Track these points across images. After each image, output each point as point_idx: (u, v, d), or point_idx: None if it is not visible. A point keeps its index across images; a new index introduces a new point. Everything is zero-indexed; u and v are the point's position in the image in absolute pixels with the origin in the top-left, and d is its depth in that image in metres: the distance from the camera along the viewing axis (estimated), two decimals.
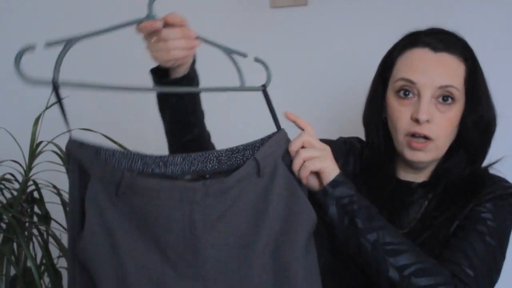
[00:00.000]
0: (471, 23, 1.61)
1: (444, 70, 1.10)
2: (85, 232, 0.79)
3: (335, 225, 1.02)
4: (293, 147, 0.97)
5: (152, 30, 0.91)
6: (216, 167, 0.92)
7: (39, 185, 1.46)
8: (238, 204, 0.89)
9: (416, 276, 0.98)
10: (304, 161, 0.97)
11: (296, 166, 0.97)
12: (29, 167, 1.45)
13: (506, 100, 1.24)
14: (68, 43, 0.82)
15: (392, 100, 1.14)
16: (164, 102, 1.06)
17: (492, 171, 1.19)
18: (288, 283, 0.89)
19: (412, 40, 1.15)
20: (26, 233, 1.38)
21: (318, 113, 1.72)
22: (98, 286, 0.80)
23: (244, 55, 0.97)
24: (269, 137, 0.95)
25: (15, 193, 1.43)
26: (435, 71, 1.10)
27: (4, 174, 1.45)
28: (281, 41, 1.81)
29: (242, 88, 0.95)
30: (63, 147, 1.42)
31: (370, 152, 1.23)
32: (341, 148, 1.24)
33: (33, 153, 1.45)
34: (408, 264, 0.99)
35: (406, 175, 1.19)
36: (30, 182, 1.45)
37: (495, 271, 1.07)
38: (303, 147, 0.98)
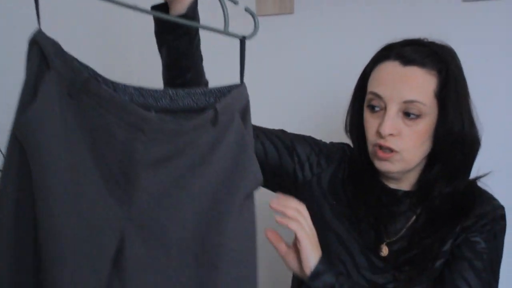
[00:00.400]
0: (456, 29, 1.63)
1: (411, 84, 1.09)
2: (36, 106, 0.74)
3: None
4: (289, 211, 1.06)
5: None
6: (167, 105, 0.89)
7: None
8: (187, 149, 0.87)
9: None
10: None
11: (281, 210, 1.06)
12: None
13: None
14: None
15: (365, 112, 1.16)
16: (161, 39, 1.07)
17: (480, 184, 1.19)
18: (220, 233, 0.88)
19: (386, 53, 1.15)
20: None
21: (303, 120, 1.73)
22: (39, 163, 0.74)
23: (235, 2, 0.96)
24: (229, 88, 0.93)
25: None
26: (401, 85, 1.10)
27: None
28: (266, 49, 1.82)
29: (224, 32, 0.93)
30: None
31: (356, 160, 1.24)
32: (337, 153, 1.27)
33: None
34: None
35: (390, 183, 1.20)
36: None
37: None
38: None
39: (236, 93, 0.92)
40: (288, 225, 1.04)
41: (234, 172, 0.90)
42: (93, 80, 0.79)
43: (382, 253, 1.15)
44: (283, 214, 1.05)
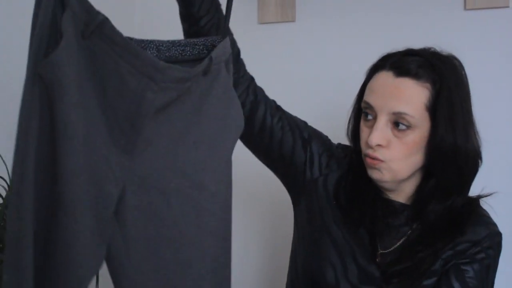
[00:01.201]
0: (458, 37, 1.63)
1: (400, 96, 1.08)
2: (60, 48, 0.72)
3: None
4: None
5: None
6: (154, 55, 0.89)
7: None
8: (185, 97, 0.88)
9: None
10: None
11: None
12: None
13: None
14: None
15: (361, 119, 1.17)
16: (186, 14, 1.06)
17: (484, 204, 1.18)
18: (216, 181, 0.92)
19: (382, 63, 1.15)
20: None
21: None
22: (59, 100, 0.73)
23: None
24: (213, 41, 0.95)
25: None
26: (391, 97, 1.09)
27: None
28: (269, 57, 1.82)
29: None
30: None
31: (355, 166, 1.24)
32: (346, 158, 1.26)
33: None
34: None
35: (387, 194, 1.20)
36: None
37: None
38: None
39: (221, 46, 0.95)
40: None
41: (224, 120, 0.94)
42: (108, 23, 0.78)
43: (375, 263, 1.15)
44: None
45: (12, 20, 1.53)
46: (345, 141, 1.28)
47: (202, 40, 0.95)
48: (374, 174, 1.13)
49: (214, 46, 0.95)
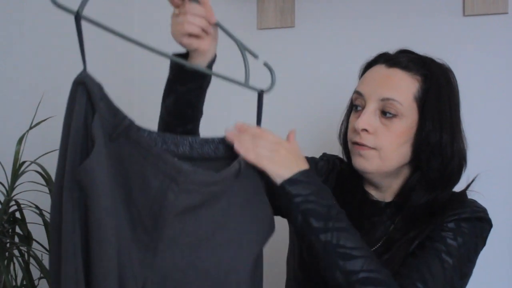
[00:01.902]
0: (456, 43, 1.64)
1: (390, 83, 1.10)
2: (92, 155, 0.77)
3: (290, 219, 1.02)
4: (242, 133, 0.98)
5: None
6: (187, 152, 0.94)
7: (22, 206, 1.43)
8: (213, 199, 0.90)
9: (361, 284, 0.96)
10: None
11: (242, 151, 0.97)
12: (12, 187, 1.42)
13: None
14: None
15: (351, 113, 1.18)
16: (172, 87, 1.07)
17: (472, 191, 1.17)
18: (240, 283, 0.91)
19: (376, 59, 1.18)
20: (7, 254, 1.35)
21: (304, 131, 1.73)
22: (95, 213, 0.78)
23: (255, 56, 1.00)
24: None
25: None
26: (381, 84, 1.11)
27: None
28: (268, 63, 1.82)
29: (244, 84, 0.98)
30: (47, 167, 1.42)
31: (343, 169, 1.25)
32: (324, 166, 1.27)
33: (16, 173, 1.43)
34: (357, 270, 0.97)
35: (375, 194, 1.20)
36: (12, 202, 1.43)
37: None
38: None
39: None
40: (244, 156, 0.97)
41: (252, 224, 0.94)
42: (134, 127, 0.84)
43: None
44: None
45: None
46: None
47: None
48: (360, 163, 1.13)
49: None
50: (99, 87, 0.81)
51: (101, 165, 0.78)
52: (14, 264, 1.40)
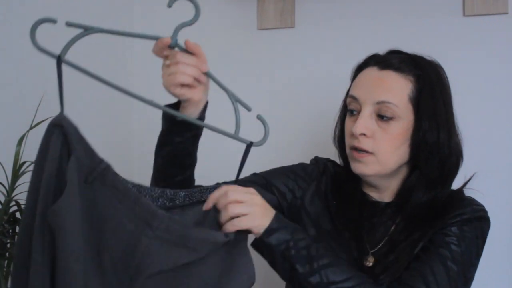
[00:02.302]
0: (456, 43, 1.64)
1: (384, 86, 1.11)
2: (63, 197, 0.78)
3: (277, 268, 1.04)
4: (219, 203, 0.96)
5: (163, 46, 0.94)
6: (166, 204, 0.95)
7: (22, 206, 1.43)
8: (187, 255, 0.88)
9: None
10: (232, 217, 0.95)
11: (223, 220, 0.95)
12: (12, 188, 1.42)
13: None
14: (88, 30, 0.84)
15: (346, 117, 1.18)
16: (168, 138, 1.06)
17: (469, 190, 1.18)
18: None
19: (367, 61, 1.19)
20: (7, 254, 1.35)
21: (302, 133, 1.73)
22: (64, 255, 0.78)
23: (248, 109, 0.98)
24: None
25: None
26: (375, 87, 1.11)
27: None
28: (268, 63, 1.83)
29: (233, 136, 0.97)
30: None
31: (341, 171, 1.25)
32: (314, 170, 1.27)
33: (16, 173, 1.43)
34: None
35: (373, 195, 1.20)
36: (13, 203, 1.43)
37: None
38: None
39: None
40: (226, 229, 0.95)
41: (229, 278, 0.92)
42: (110, 171, 0.84)
43: (367, 263, 1.14)
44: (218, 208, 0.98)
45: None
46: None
47: (212, 186, 0.98)
48: (359, 168, 1.14)
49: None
50: (76, 130, 0.82)
51: (71, 208, 0.78)
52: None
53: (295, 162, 1.32)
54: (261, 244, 1.01)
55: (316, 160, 1.31)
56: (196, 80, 0.98)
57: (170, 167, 1.09)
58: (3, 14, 1.51)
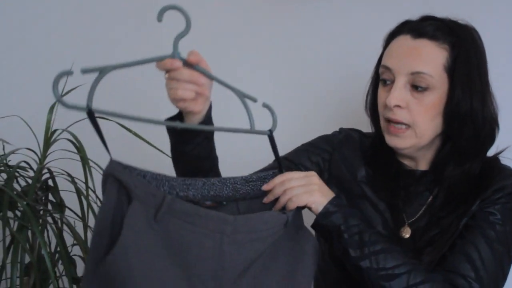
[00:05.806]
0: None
1: (419, 56, 1.08)
2: (116, 248, 0.77)
3: (333, 249, 1.06)
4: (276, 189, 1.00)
5: (167, 69, 0.91)
6: (231, 194, 0.96)
7: (54, 173, 1.46)
8: (265, 252, 0.92)
9: None
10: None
11: (281, 203, 1.00)
12: (44, 155, 1.44)
13: None
14: (102, 71, 0.83)
15: (379, 87, 1.16)
16: (178, 150, 1.06)
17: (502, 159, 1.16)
18: None
19: (400, 28, 1.15)
20: (40, 221, 1.38)
21: (309, 117, 1.70)
22: None
23: (254, 100, 0.98)
24: (273, 175, 1.01)
25: (30, 181, 1.43)
26: (409, 57, 1.09)
27: (19, 162, 1.45)
28: (280, 35, 1.78)
29: (251, 131, 0.97)
30: (78, 135, 1.43)
31: (374, 141, 1.23)
32: (335, 139, 1.27)
33: (48, 141, 1.45)
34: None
35: (408, 163, 1.19)
36: (45, 170, 1.45)
37: (501, 277, 1.06)
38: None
39: None
40: (287, 207, 1.00)
41: (298, 261, 0.96)
42: (176, 200, 0.83)
43: (403, 234, 1.14)
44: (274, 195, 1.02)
45: None
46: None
47: (271, 173, 1.02)
48: (393, 141, 1.12)
49: None
50: (131, 173, 0.81)
51: (131, 250, 0.78)
52: (47, 231, 1.43)
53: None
54: (317, 226, 1.05)
55: (340, 131, 1.30)
56: (198, 93, 0.96)
57: (192, 175, 1.07)
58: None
